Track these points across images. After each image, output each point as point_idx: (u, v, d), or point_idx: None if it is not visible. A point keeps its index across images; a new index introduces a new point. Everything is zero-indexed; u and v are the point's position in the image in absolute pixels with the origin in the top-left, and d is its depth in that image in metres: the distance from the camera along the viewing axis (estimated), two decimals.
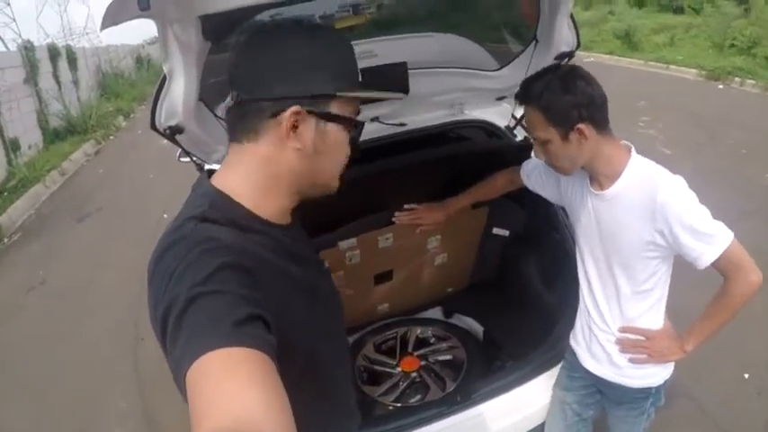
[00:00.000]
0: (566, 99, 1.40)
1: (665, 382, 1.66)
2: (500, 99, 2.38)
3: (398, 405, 2.31)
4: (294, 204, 1.00)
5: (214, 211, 0.88)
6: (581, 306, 1.75)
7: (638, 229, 1.44)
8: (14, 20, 13.18)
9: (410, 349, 2.65)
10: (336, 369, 1.11)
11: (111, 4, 0.85)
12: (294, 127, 0.89)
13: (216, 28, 1.07)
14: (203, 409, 0.61)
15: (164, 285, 0.76)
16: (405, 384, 2.43)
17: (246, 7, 0.98)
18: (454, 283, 2.94)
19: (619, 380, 1.66)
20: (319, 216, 1.95)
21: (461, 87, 2.29)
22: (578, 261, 1.71)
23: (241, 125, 0.92)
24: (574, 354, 1.79)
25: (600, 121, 1.43)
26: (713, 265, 1.39)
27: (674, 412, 1.68)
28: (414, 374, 2.47)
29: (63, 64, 11.97)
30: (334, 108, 0.92)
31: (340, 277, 2.40)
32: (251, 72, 0.90)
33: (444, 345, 2.64)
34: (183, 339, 0.68)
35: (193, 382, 0.63)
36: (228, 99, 0.94)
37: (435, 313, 2.94)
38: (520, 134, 2.44)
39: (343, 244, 2.29)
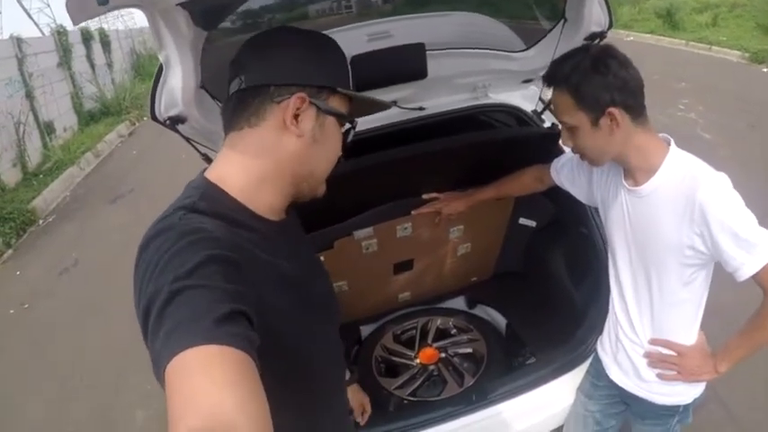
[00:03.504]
0: (596, 80, 1.27)
1: (695, 400, 1.54)
2: (526, 82, 2.26)
3: (413, 399, 2.24)
4: (288, 201, 1.00)
5: (204, 202, 0.87)
6: (610, 312, 1.63)
7: (675, 230, 1.31)
8: (49, 5, 13.40)
9: (430, 340, 2.58)
10: (324, 369, 1.10)
11: (68, 1, 0.82)
12: (296, 114, 0.92)
13: (206, 16, 1.05)
14: (179, 408, 0.60)
15: (148, 275, 0.75)
16: (422, 378, 2.37)
17: None
18: (478, 273, 2.85)
19: (644, 394, 1.55)
20: (335, 205, 1.89)
21: (485, 69, 2.17)
22: (610, 264, 1.59)
23: (242, 110, 0.93)
24: (599, 361, 1.68)
25: (634, 108, 1.30)
26: (754, 278, 1.25)
27: (701, 417, 1.57)
28: (432, 367, 2.41)
29: (96, 47, 12.14)
30: (333, 103, 0.97)
31: (356, 267, 2.35)
32: (258, 60, 0.94)
33: (465, 337, 2.56)
34: (163, 333, 0.67)
35: (171, 379, 0.63)
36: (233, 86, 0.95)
37: (458, 303, 2.85)
38: (548, 119, 2.32)
39: (359, 233, 2.22)
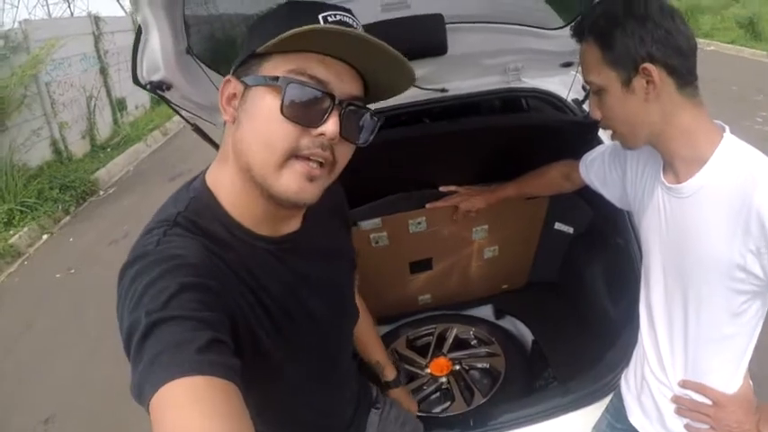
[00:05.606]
0: (630, 27, 1.00)
1: None
2: (566, 66, 1.96)
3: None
4: (274, 209, 0.85)
5: (189, 214, 0.81)
6: (638, 342, 1.34)
7: (724, 244, 1.02)
8: None
9: (445, 350, 2.34)
10: (316, 391, 1.06)
11: None
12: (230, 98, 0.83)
13: None
14: None
15: (127, 301, 0.72)
16: (429, 390, 2.13)
17: None
18: (509, 280, 2.58)
19: None
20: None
21: (516, 48, 1.89)
22: (642, 282, 1.30)
23: None
24: (621, 399, 1.40)
25: (680, 71, 1.02)
26: None
27: None
28: (442, 380, 2.17)
29: None
30: (265, 69, 0.80)
31: (366, 261, 2.14)
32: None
33: (484, 350, 2.30)
34: (143, 365, 0.65)
35: (158, 412, 0.62)
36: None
37: (485, 311, 2.59)
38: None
39: (366, 224, 2.02)
